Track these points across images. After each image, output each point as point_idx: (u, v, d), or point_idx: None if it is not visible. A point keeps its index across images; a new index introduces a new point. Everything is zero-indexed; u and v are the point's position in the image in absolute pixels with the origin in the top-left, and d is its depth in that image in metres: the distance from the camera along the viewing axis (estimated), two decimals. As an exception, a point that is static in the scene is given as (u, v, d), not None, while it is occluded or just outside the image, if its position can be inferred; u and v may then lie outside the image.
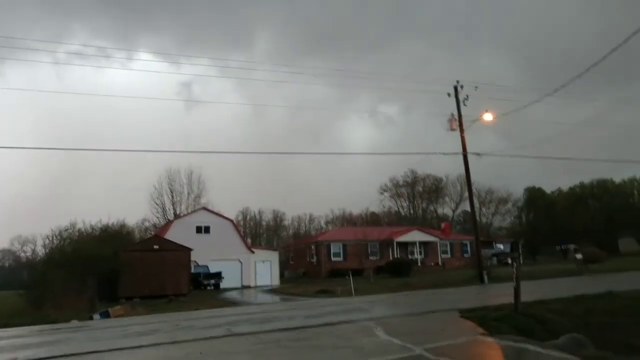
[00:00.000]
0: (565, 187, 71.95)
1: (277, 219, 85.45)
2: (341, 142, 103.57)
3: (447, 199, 74.98)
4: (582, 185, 69.73)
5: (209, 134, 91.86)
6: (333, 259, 47.31)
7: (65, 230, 42.62)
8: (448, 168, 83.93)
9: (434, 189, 75.11)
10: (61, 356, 9.09)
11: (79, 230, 41.57)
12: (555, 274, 26.00)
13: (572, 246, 47.14)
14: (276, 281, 44.37)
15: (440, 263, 48.96)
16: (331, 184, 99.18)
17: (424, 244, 50.55)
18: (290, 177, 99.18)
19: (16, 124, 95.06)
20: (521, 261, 49.55)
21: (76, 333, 14.12)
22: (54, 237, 46.30)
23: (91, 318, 20.00)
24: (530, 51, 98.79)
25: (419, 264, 46.86)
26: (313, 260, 49.32)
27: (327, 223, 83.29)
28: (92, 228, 41.57)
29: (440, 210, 76.69)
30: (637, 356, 6.45)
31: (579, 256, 32.18)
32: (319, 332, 10.83)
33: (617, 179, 67.38)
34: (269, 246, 69.16)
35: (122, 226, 48.05)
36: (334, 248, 48.12)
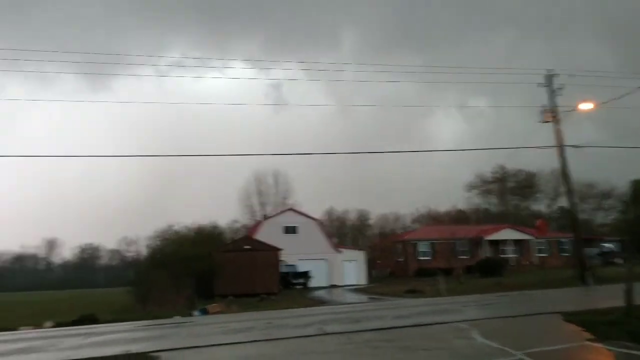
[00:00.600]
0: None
1: (362, 218, 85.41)
2: (428, 138, 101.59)
3: (540, 194, 70.61)
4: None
5: (296, 135, 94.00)
6: (420, 258, 46.43)
7: (164, 231, 45.72)
8: (541, 162, 79.16)
9: (526, 185, 71.02)
10: (168, 350, 9.75)
11: (176, 231, 44.41)
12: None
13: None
14: (363, 280, 44.36)
15: (535, 262, 46.30)
16: (417, 182, 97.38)
17: (516, 242, 48.08)
18: (375, 176, 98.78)
19: (117, 133, 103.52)
20: (631, 260, 45.53)
21: (179, 328, 15.08)
22: (155, 239, 49.70)
23: (191, 315, 21.22)
24: (629, 35, 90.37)
25: (512, 263, 44.62)
26: (400, 259, 48.72)
27: (412, 222, 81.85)
28: (188, 229, 44.26)
29: (533, 207, 72.40)
30: None
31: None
32: (410, 333, 10.68)
33: None
34: (355, 245, 69.33)
35: (215, 227, 50.58)
36: (421, 247, 47.22)
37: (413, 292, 25.12)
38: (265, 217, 54.71)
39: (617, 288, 11.64)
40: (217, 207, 76.26)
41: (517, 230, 49.20)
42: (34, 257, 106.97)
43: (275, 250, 35.60)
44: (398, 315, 14.34)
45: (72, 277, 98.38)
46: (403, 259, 48.03)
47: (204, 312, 21.75)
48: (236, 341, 10.70)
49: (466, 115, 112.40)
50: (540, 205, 71.55)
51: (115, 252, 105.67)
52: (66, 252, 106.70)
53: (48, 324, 19.84)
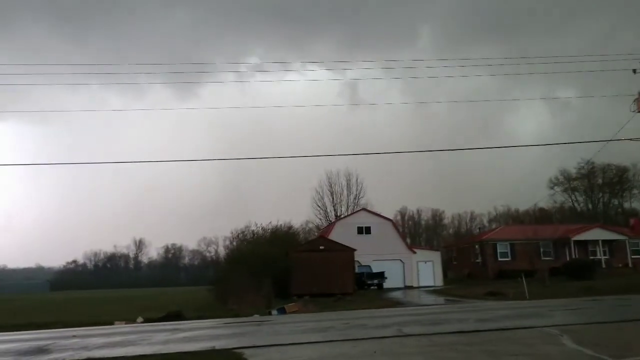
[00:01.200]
0: None
1: (437, 217, 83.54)
2: (510, 134, 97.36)
3: (635, 191, 65.34)
4: None
5: (371, 135, 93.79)
6: (500, 259, 44.53)
7: (242, 232, 47.30)
8: (635, 155, 73.30)
9: (618, 181, 65.96)
10: (251, 347, 10.06)
11: (253, 231, 45.79)
12: None
13: None
14: (439, 282, 43.30)
15: (630, 264, 42.89)
16: (494, 180, 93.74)
17: (608, 242, 44.77)
18: (450, 175, 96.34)
19: (200, 139, 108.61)
20: None
21: (259, 326, 15.52)
22: (233, 239, 51.51)
23: (269, 313, 21.78)
24: None
25: (604, 265, 41.63)
26: (478, 260, 47.04)
27: (490, 221, 78.84)
28: (264, 230, 45.49)
29: (626, 205, 67.13)
30: None
31: None
32: (494, 338, 10.28)
33: None
34: (430, 246, 67.87)
35: (289, 228, 51.57)
36: (501, 247, 45.26)
37: (494, 295, 24.19)
38: (338, 218, 54.99)
39: None
40: (291, 209, 77.72)
41: (608, 230, 45.83)
42: (125, 257, 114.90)
43: (349, 250, 35.66)
44: (480, 318, 13.85)
45: (157, 275, 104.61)
46: (481, 260, 46.35)
47: (282, 311, 22.22)
48: (316, 340, 10.84)
49: (552, 108, 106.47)
50: (634, 203, 66.26)
51: (196, 252, 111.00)
52: (152, 252, 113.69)
53: (139, 319, 21.17)
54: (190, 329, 15.17)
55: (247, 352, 9.43)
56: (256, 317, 19.98)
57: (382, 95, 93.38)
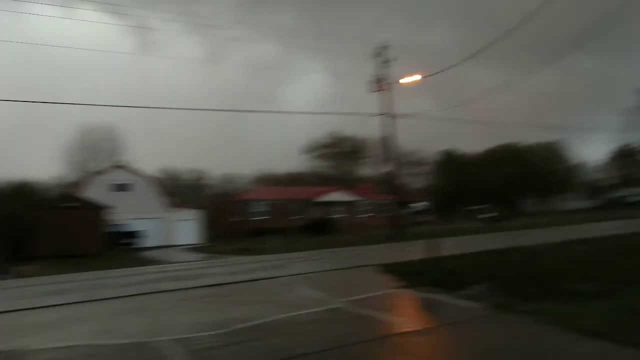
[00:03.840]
0: (479, 149, 76.42)
1: (200, 178, 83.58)
2: (282, 101, 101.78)
3: (368, 159, 76.99)
4: (491, 149, 74.37)
5: (149, 88, 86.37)
6: (256, 217, 47.40)
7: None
8: (372, 129, 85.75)
9: (356, 150, 76.73)
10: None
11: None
12: (467, 231, 27.84)
13: (481, 206, 50.50)
14: (199, 240, 43.81)
15: (361, 222, 50.71)
16: (258, 144, 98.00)
17: (345, 203, 51.94)
18: (216, 136, 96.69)
19: None
20: (435, 220, 52.53)
21: (-20, 294, 13.19)
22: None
23: (-2, 279, 18.71)
24: (470, 20, 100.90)
25: (340, 223, 48.23)
26: (237, 219, 49.15)
27: (251, 182, 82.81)
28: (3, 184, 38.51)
29: (362, 171, 78.68)
30: (534, 302, 7.17)
31: (487, 215, 34.65)
32: (244, 288, 10.95)
33: (525, 143, 72.47)
34: (192, 205, 67.67)
35: (27, 183, 44.87)
36: (258, 207, 48.17)
37: (249, 251, 25.63)
38: (94, 174, 50.13)
39: (424, 243, 13.38)
40: (41, 162, 67.17)
41: (347, 192, 53.07)
42: None
43: (99, 207, 32.99)
44: (233, 271, 14.54)
45: None
46: (239, 219, 48.51)
47: (16, 275, 19.36)
48: (53, 303, 9.77)
49: (317, 81, 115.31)
50: (367, 170, 78.09)
51: None
52: None
53: None
54: None
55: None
56: (-22, 284, 16.90)
57: (171, 48, 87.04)
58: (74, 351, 6.08)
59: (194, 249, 35.03)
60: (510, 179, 67.89)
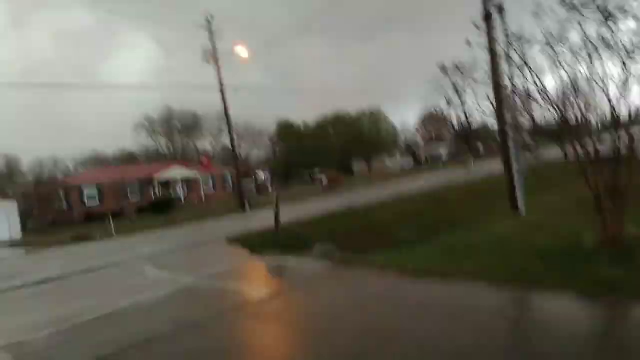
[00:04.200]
0: (312, 119, 79.93)
1: (11, 163, 73.06)
2: (104, 76, 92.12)
3: (206, 133, 75.23)
4: (325, 118, 78.46)
5: None
6: (87, 202, 43.27)
7: None
8: (207, 103, 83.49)
9: (193, 125, 74.28)
10: None
11: None
12: (307, 197, 29.27)
13: (318, 172, 53.31)
14: (17, 233, 38.60)
15: (203, 197, 49.76)
16: (83, 122, 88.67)
17: (185, 180, 50.31)
18: (29, 116, 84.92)
19: None
20: (278, 188, 54.00)
21: None
22: None
23: None
24: None
25: (183, 200, 46.74)
26: (63, 206, 44.32)
27: (77, 165, 75.09)
28: None
29: (200, 145, 76.67)
30: (369, 254, 8.02)
31: (324, 180, 36.77)
32: (80, 279, 10.15)
33: (352, 112, 77.91)
34: (3, 193, 59.04)
35: None
36: (88, 191, 43.92)
37: (81, 239, 23.51)
38: None
39: (268, 212, 13.80)
40: None
41: (185, 167, 51.43)
42: None
43: None
44: (66, 263, 13.30)
45: None
46: (67, 205, 43.90)
47: None
48: None
49: (145, 54, 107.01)
50: (206, 144, 76.36)
51: None
52: None
53: None
54: None
55: None
56: None
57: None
58: None
59: (13, 244, 30.92)
60: (341, 144, 72.75)
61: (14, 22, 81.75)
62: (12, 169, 74.01)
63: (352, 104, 77.17)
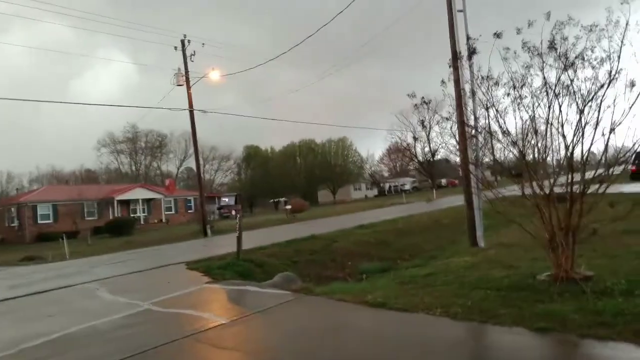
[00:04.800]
0: (278, 145, 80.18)
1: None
2: (74, 93, 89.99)
3: (171, 155, 74.21)
4: (292, 145, 78.85)
5: None
6: (40, 221, 41.62)
7: None
8: (172, 124, 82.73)
9: (158, 145, 73.17)
10: None
11: None
12: (270, 223, 29.08)
13: (283, 199, 53.24)
14: (-38, 252, 36.68)
15: (164, 220, 48.68)
16: (39, 139, 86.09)
17: (147, 201, 49.21)
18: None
19: None
20: (241, 214, 53.48)
21: None
22: None
23: None
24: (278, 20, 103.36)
25: (142, 222, 45.59)
26: (14, 224, 42.46)
27: (31, 182, 72.45)
28: None
29: (164, 167, 75.46)
30: (329, 283, 8.05)
31: (288, 207, 36.69)
32: (29, 302, 9.72)
33: (319, 140, 78.65)
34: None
35: None
36: (42, 209, 42.30)
37: (32, 259, 22.51)
38: None
39: (231, 237, 13.62)
40: None
41: (148, 189, 50.39)
42: None
43: None
44: (14, 284, 12.71)
45: None
46: (18, 224, 42.09)
47: None
48: None
49: (114, 71, 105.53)
50: (170, 166, 75.21)
51: None
52: None
53: None
54: None
55: None
56: None
57: None
58: None
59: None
60: (308, 172, 73.06)
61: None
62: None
63: (319, 133, 78.05)
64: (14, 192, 64.26)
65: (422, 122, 57.64)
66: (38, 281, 12.86)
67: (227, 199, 54.51)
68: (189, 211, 52.06)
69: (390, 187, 76.19)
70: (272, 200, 59.53)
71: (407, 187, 73.63)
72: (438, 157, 63.62)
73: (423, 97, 7.74)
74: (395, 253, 10.40)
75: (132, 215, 45.85)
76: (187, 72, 26.78)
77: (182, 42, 26.91)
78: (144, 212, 48.44)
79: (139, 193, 48.60)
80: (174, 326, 6.63)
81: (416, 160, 69.45)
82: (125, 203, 47.07)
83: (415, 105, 7.84)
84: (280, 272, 9.79)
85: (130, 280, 11.49)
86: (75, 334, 6.56)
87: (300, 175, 72.93)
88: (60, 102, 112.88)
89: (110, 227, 36.98)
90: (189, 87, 26.74)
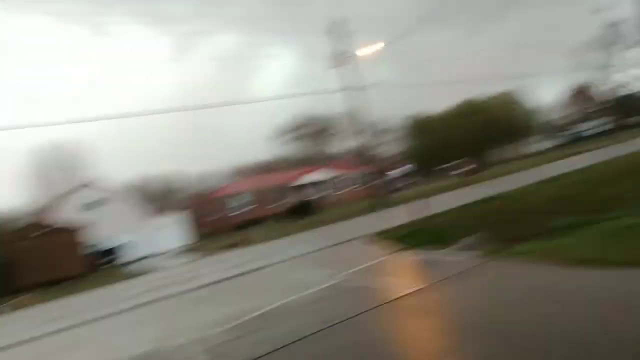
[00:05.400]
0: (444, 109, 77.50)
1: (175, 180, 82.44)
2: (244, 91, 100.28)
3: (339, 136, 77.13)
4: (457, 107, 75.48)
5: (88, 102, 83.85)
6: (237, 211, 47.26)
7: None
8: (336, 105, 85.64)
9: (324, 128, 76.76)
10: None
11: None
12: (445, 189, 28.39)
13: (453, 163, 51.48)
14: (184, 243, 43.49)
15: (341, 198, 51.06)
16: (226, 137, 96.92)
17: (323, 182, 52.17)
18: (183, 136, 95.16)
19: None
20: (416, 183, 53.37)
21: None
22: None
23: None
24: None
25: (321, 203, 48.46)
26: (218, 215, 48.86)
27: (226, 177, 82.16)
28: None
29: (335, 148, 78.86)
30: (525, 242, 7.53)
31: (460, 171, 35.41)
32: (240, 281, 11.05)
33: (485, 98, 73.77)
34: (173, 209, 66.85)
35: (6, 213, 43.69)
36: (237, 200, 47.97)
37: (234, 245, 25.65)
38: (62, 195, 48.92)
39: (406, 208, 13.65)
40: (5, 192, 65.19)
41: (323, 171, 53.31)
42: None
43: (74, 229, 32.45)
44: (223, 267, 14.61)
45: None
46: (220, 215, 48.28)
47: (12, 307, 19.07)
48: (60, 328, 9.73)
49: (280, 65, 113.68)
50: (339, 146, 78.33)
51: None
52: None
53: None
54: None
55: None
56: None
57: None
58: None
59: (180, 252, 34.84)
60: (477, 132, 69.31)
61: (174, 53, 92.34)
62: (175, 185, 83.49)
63: (484, 90, 73.03)
64: (215, 188, 73.60)
65: (609, 52, 50.32)
66: (243, 263, 14.53)
67: (399, 170, 54.60)
68: (363, 187, 53.68)
69: (572, 134, 68.22)
70: (442, 167, 58.01)
71: (591, 133, 65.11)
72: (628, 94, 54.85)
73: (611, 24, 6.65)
74: (588, 206, 9.28)
75: (312, 197, 49.16)
76: (340, 53, 27.33)
77: (333, 23, 27.48)
78: (322, 193, 51.41)
79: (315, 175, 51.74)
80: (365, 296, 6.92)
81: (600, 102, 60.86)
82: (304, 187, 50.54)
83: (606, 29, 6.74)
84: (467, 236, 9.49)
85: (319, 257, 12.31)
86: (280, 307, 7.32)
87: (469, 137, 69.57)
88: (232, 104, 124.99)
89: (295, 209, 40.33)
90: (345, 67, 27.28)
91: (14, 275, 27.85)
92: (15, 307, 19.25)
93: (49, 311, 14.45)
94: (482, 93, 73.62)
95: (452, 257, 8.27)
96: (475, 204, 14.84)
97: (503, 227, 9.44)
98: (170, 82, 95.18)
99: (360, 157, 49.12)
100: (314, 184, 51.42)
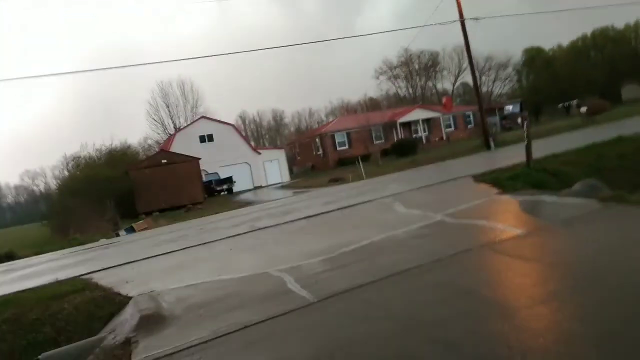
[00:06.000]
0: (565, 42, 69.85)
1: (277, 117, 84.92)
2: (335, 29, 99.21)
3: (445, 72, 73.34)
4: (583, 37, 67.55)
5: (194, 40, 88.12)
6: (339, 148, 47.70)
7: (74, 158, 43.06)
8: (444, 41, 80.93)
9: (431, 65, 73.13)
10: (99, 270, 9.53)
11: (86, 156, 41.96)
12: (562, 130, 26.05)
13: (575, 101, 46.76)
14: (286, 178, 45.25)
15: (445, 137, 49.28)
16: (326, 75, 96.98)
17: (426, 121, 50.47)
18: (284, 73, 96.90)
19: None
20: (528, 120, 49.63)
21: (107, 249, 14.75)
22: (64, 167, 46.79)
23: (117, 235, 20.78)
24: None
25: (424, 141, 47.19)
26: (319, 152, 49.79)
27: (327, 114, 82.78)
28: (98, 152, 41.94)
29: (439, 85, 75.38)
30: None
31: (583, 109, 32.09)
32: (341, 215, 11.15)
33: (619, 25, 65.01)
34: (274, 145, 69.51)
35: (127, 147, 48.33)
36: (339, 137, 48.29)
37: (336, 181, 26.05)
38: (177, 129, 52.71)
39: (517, 148, 12.67)
40: (128, 127, 72.20)
41: (426, 109, 51.42)
42: None
43: (193, 160, 34.93)
44: (325, 202, 14.87)
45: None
46: (322, 151, 49.10)
47: (131, 230, 21.38)
48: (169, 250, 10.66)
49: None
50: (445, 83, 74.64)
51: (20, 188, 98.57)
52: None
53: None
54: (28, 266, 13.81)
55: (96, 275, 8.94)
56: (103, 241, 18.91)
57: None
58: (197, 288, 6.63)
59: (283, 186, 36.28)
60: (606, 66, 61.76)
61: None
62: (278, 122, 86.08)
63: (619, 16, 64.10)
64: (315, 125, 74.69)
65: None
66: (343, 198, 14.72)
67: (510, 107, 50.95)
68: (469, 126, 51.19)
69: None
70: (561, 105, 52.94)
71: None
72: None
73: None
74: None
75: (413, 135, 47.91)
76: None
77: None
78: (424, 132, 49.95)
79: (418, 114, 50.12)
80: (468, 236, 6.62)
81: None
82: (407, 125, 49.33)
83: None
84: (580, 180, 8.60)
85: (421, 194, 11.97)
86: (379, 242, 7.23)
87: (596, 71, 62.19)
88: (343, 38, 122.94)
89: (396, 148, 39.52)
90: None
91: (136, 201, 31.03)
92: (136, 229, 21.52)
93: (165, 233, 15.89)
94: (615, 20, 64.84)
95: (564, 201, 7.56)
96: (595, 145, 13.34)
97: (624, 173, 8.39)
98: (277, 18, 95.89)
99: (467, 95, 46.49)
100: (417, 123, 49.94)
